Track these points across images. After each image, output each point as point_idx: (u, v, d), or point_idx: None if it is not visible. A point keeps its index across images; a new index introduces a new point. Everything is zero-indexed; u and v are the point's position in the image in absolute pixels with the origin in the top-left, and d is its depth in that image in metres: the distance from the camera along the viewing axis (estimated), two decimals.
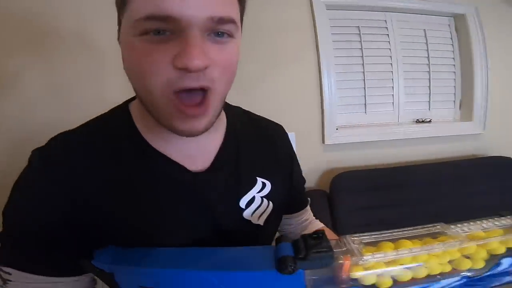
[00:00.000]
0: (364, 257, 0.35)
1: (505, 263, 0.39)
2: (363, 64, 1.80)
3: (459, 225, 0.41)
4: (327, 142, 1.77)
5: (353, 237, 0.38)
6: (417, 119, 1.87)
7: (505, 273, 0.40)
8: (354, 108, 1.84)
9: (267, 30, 1.70)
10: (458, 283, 0.39)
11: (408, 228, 0.39)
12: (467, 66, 1.97)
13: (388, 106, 1.85)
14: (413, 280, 0.37)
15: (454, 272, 0.38)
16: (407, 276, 0.36)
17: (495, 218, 0.43)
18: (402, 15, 1.90)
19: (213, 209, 0.45)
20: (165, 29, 0.30)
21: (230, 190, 0.47)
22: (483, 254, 0.39)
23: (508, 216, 0.43)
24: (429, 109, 1.92)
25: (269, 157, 0.55)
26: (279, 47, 1.73)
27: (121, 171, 0.40)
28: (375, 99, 1.83)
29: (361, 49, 1.81)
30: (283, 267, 0.33)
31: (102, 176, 0.39)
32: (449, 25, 2.02)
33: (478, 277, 0.39)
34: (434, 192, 1.70)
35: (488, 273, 0.39)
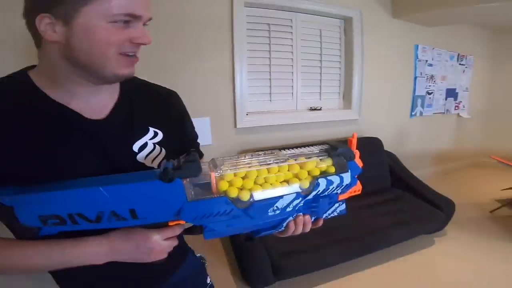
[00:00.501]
0: (223, 168, 0.46)
1: (322, 183, 0.51)
2: (270, 58, 2.07)
3: (289, 150, 0.55)
4: (238, 126, 2.04)
5: (219, 158, 0.50)
6: (311, 107, 2.29)
7: (329, 195, 0.53)
8: (262, 96, 2.14)
9: (189, 23, 1.79)
10: (297, 202, 0.50)
11: (259, 153, 0.54)
12: (349, 64, 2.46)
13: (289, 95, 2.21)
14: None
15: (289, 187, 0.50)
16: (257, 187, 0.48)
17: (318, 146, 0.56)
18: (305, 15, 2.20)
19: (109, 152, 0.54)
20: (129, 21, 0.48)
21: (124, 136, 0.56)
22: (305, 175, 0.50)
23: (326, 146, 0.56)
24: (320, 99, 2.37)
25: (162, 111, 0.65)
26: (200, 38, 1.84)
27: (25, 119, 0.48)
28: (279, 89, 2.15)
29: (269, 44, 2.06)
30: (163, 176, 0.41)
31: (5, 122, 0.46)
32: (339, 26, 2.41)
33: (311, 197, 0.51)
34: None
35: (314, 193, 0.51)
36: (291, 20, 2.14)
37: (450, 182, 3.59)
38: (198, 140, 0.78)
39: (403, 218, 1.96)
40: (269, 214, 0.49)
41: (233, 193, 0.46)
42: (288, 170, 0.50)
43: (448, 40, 3.38)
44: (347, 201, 0.59)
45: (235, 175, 0.46)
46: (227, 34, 1.90)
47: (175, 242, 0.53)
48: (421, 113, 3.24)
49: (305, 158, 0.52)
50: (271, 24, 2.05)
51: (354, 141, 0.55)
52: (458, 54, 3.49)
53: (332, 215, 0.58)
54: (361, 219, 1.93)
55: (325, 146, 0.56)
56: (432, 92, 3.29)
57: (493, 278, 1.79)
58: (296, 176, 0.50)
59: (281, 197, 0.48)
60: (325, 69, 2.33)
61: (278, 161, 0.50)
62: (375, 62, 2.66)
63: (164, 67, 1.78)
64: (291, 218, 0.53)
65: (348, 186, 0.55)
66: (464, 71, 3.59)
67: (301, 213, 0.54)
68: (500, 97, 4.15)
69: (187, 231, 0.53)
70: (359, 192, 0.59)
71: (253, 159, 0.50)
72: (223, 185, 0.46)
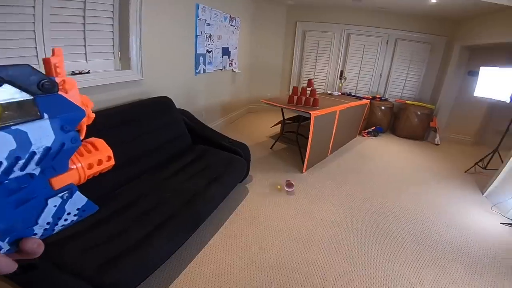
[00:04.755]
0: None
1: None
2: None
3: None
4: None
5: None
6: (72, 71, 1.88)
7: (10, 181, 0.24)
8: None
9: None
10: None
11: None
12: (124, 21, 2.18)
13: (33, 59, 1.66)
14: None
15: None
16: None
17: None
18: None
19: None
20: None
21: None
22: None
23: None
24: (87, 61, 1.99)
25: None
26: None
27: None
28: (15, 51, 1.56)
29: None
30: None
31: None
32: None
33: None
34: (130, 132, 1.98)
35: None
36: None
37: (235, 129, 4.42)
38: None
39: (214, 174, 2.04)
40: None
41: None
42: None
43: (223, 2, 3.74)
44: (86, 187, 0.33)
45: None
46: None
47: None
48: (204, 70, 3.56)
49: None
50: None
51: (57, 60, 0.29)
52: (230, 16, 3.98)
53: (63, 223, 0.31)
54: (175, 190, 1.79)
55: None
56: (211, 51, 3.65)
57: (289, 206, 2.48)
58: None
59: None
60: (90, 26, 1.93)
61: None
62: (155, 20, 2.51)
63: None
64: None
65: (58, 153, 0.27)
66: (233, 32, 4.19)
67: None
68: (258, 52, 5.32)
69: None
70: (110, 164, 0.34)
71: None
72: None
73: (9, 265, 0.28)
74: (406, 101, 5.00)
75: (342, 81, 5.43)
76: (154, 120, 2.26)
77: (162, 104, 2.46)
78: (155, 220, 1.50)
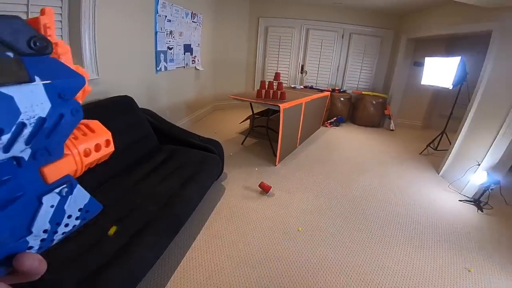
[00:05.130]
0: None
1: None
2: None
3: None
4: None
5: None
6: None
7: None
8: None
9: None
10: None
11: None
12: (74, 16, 1.99)
13: None
14: None
15: None
16: None
17: None
18: None
19: None
20: None
21: None
22: None
23: None
24: None
25: None
26: None
27: None
28: None
29: None
30: None
31: None
32: None
33: None
34: None
35: None
36: None
37: (202, 127, 4.31)
38: None
39: (188, 173, 1.96)
40: None
41: None
42: None
43: None
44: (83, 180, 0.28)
45: None
46: None
47: None
48: (165, 68, 3.40)
49: None
50: None
51: (47, 20, 0.23)
52: (192, 12, 3.85)
53: (64, 230, 0.25)
54: (149, 193, 1.70)
55: None
56: (172, 47, 3.50)
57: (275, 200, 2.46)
58: None
59: None
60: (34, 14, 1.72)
61: None
62: (111, 15, 2.32)
63: None
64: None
65: (55, 128, 0.22)
66: (195, 28, 4.07)
67: None
68: (222, 48, 5.25)
69: None
70: (109, 150, 0.29)
71: None
72: None
73: None
74: (362, 92, 5.34)
75: (304, 75, 5.61)
76: (116, 120, 2.10)
77: (123, 104, 2.29)
78: (131, 228, 1.39)
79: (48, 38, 0.22)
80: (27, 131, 0.19)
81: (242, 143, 3.70)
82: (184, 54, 3.83)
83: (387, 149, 4.00)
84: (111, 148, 0.29)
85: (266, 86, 3.34)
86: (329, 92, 4.83)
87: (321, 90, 4.91)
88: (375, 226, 2.16)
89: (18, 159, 0.20)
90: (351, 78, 5.59)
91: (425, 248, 1.95)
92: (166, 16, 3.23)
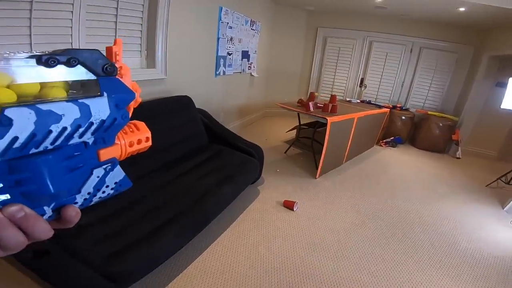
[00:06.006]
0: None
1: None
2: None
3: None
4: None
5: None
6: None
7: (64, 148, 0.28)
8: None
9: None
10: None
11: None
12: (152, 21, 2.30)
13: None
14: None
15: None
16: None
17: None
18: None
19: None
20: None
21: None
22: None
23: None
24: None
25: None
26: None
27: None
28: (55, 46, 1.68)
29: None
30: None
31: None
32: None
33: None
34: (150, 127, 2.03)
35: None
36: None
37: (251, 132, 4.45)
38: None
39: (227, 173, 2.08)
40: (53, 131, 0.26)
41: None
42: None
43: (245, 5, 3.81)
44: (127, 163, 0.36)
45: None
46: None
47: None
48: (224, 72, 3.63)
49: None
50: None
51: (117, 49, 0.33)
52: (251, 20, 4.04)
53: (101, 195, 0.34)
54: (188, 186, 1.82)
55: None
56: (231, 53, 3.72)
57: (305, 208, 2.50)
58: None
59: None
60: (122, 24, 2.05)
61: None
62: (181, 21, 2.61)
63: None
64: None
65: (110, 126, 0.31)
66: (254, 36, 4.25)
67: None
68: (277, 57, 5.36)
69: None
70: (147, 144, 0.38)
71: None
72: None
73: (47, 232, 0.28)
74: (428, 112, 4.85)
75: (362, 88, 5.36)
76: (174, 117, 2.34)
77: (182, 103, 2.54)
78: (164, 216, 1.54)
79: (116, 63, 0.33)
80: (93, 127, 0.30)
81: (285, 152, 3.71)
82: (242, 60, 4.02)
83: (449, 177, 3.56)
84: (149, 143, 0.39)
85: (315, 99, 3.29)
86: (389, 109, 4.51)
87: (380, 106, 4.61)
88: (421, 253, 1.96)
89: (85, 143, 0.31)
90: (417, 95, 5.14)
91: (475, 283, 1.69)
92: (228, 23, 3.45)
